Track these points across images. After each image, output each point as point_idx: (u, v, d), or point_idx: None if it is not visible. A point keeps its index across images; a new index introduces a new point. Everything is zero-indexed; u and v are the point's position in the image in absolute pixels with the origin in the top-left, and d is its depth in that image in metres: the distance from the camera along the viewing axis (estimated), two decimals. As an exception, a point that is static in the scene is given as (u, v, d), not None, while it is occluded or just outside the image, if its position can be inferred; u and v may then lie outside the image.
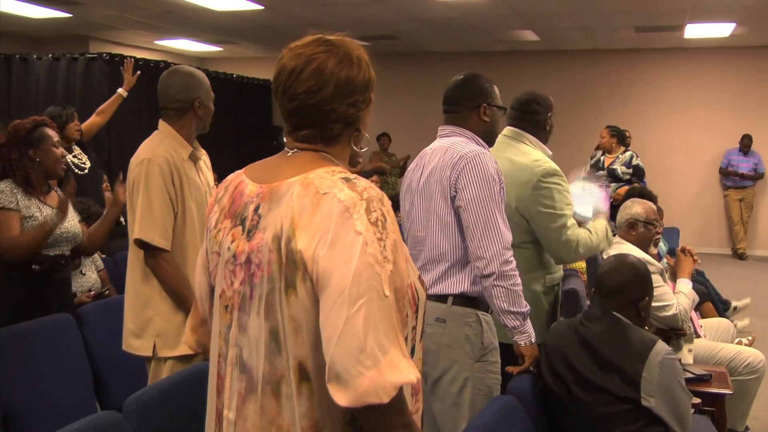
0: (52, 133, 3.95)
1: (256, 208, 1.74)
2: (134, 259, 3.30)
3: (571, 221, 3.54)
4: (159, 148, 3.25)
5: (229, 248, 1.78)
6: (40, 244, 3.73)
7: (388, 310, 1.58)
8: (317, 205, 1.62)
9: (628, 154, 9.16)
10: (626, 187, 8.89)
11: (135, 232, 3.19)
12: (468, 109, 3.20)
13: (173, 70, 3.40)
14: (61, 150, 3.96)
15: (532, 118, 3.74)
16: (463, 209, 2.98)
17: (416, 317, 1.74)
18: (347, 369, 1.52)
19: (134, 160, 3.26)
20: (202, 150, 3.51)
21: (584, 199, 3.82)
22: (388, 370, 1.54)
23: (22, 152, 3.83)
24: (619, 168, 9.04)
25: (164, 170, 3.19)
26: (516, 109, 3.75)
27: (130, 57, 6.29)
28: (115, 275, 5.59)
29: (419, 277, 1.78)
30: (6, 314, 3.70)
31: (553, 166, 3.59)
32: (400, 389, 1.56)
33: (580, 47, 12.40)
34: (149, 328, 3.26)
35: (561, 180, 3.56)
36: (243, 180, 1.84)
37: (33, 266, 3.79)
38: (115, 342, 3.73)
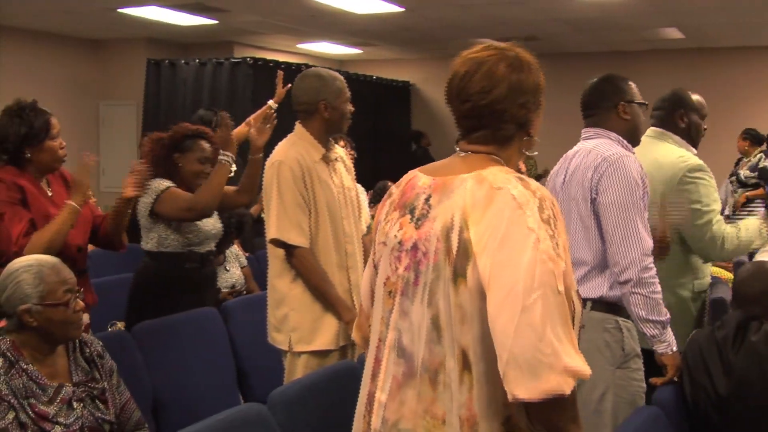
0: (204, 146, 3.97)
1: (427, 199, 1.79)
2: (271, 257, 3.41)
3: (717, 217, 3.46)
4: (291, 150, 3.32)
5: (395, 236, 1.83)
6: (223, 186, 3.81)
7: (562, 306, 1.60)
8: (491, 199, 1.66)
9: (757, 156, 8.70)
10: (747, 193, 8.44)
11: (271, 232, 3.28)
12: (605, 109, 3.15)
13: (303, 73, 3.46)
14: (206, 166, 3.96)
15: (672, 118, 3.66)
16: (603, 212, 2.91)
17: (572, 325, 1.73)
18: (530, 363, 1.54)
19: (268, 163, 3.36)
20: (341, 150, 3.54)
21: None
22: (568, 361, 1.56)
23: (168, 153, 3.92)
24: (743, 172, 8.61)
25: (295, 171, 3.26)
26: (657, 108, 3.70)
27: (274, 65, 6.41)
28: (258, 272, 5.74)
29: (576, 291, 1.76)
30: (166, 312, 3.87)
31: (698, 161, 3.52)
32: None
33: (727, 44, 11.90)
34: (285, 323, 3.36)
35: (706, 175, 3.48)
36: (416, 175, 1.90)
37: (187, 264, 3.93)
38: (258, 337, 3.83)
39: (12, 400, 2.41)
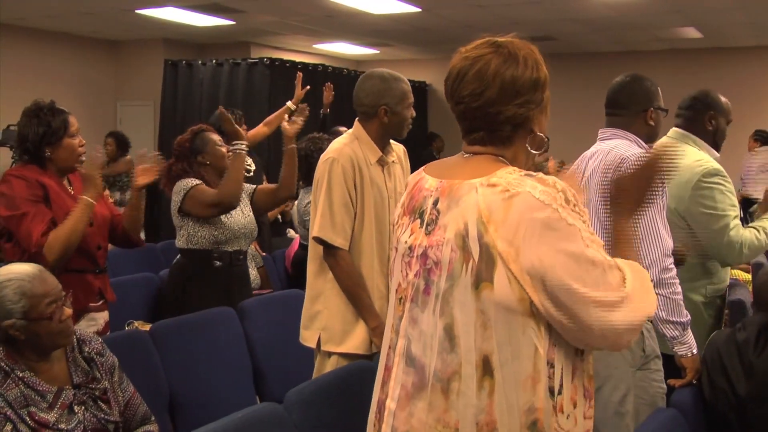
0: (213, 135, 4.18)
1: (435, 202, 1.75)
2: (312, 254, 3.37)
3: (734, 222, 3.39)
4: (346, 148, 3.27)
5: (406, 241, 1.81)
6: (241, 175, 3.99)
7: (615, 276, 1.67)
8: (510, 202, 1.62)
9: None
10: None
11: (314, 230, 3.25)
12: (634, 112, 3.12)
13: (368, 73, 3.39)
14: (225, 147, 4.17)
15: (696, 120, 3.59)
16: None
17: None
18: (614, 343, 1.71)
19: (322, 158, 3.32)
20: (399, 149, 3.50)
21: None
22: (637, 319, 1.69)
23: (191, 162, 4.10)
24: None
25: (347, 170, 3.22)
26: (685, 108, 3.62)
27: (291, 65, 6.40)
28: (274, 273, 5.74)
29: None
30: (192, 309, 3.92)
31: (715, 165, 3.45)
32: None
33: (745, 44, 11.83)
34: (316, 320, 3.32)
35: (723, 180, 3.42)
36: (422, 177, 1.86)
37: (214, 262, 4.02)
38: (275, 336, 3.83)
39: (8, 412, 2.37)
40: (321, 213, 3.23)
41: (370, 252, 3.28)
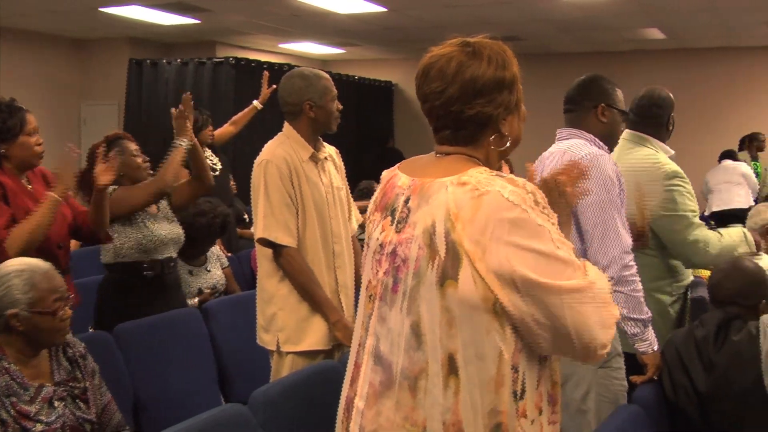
0: (130, 144, 3.98)
1: (407, 200, 1.75)
2: (260, 257, 3.40)
3: (696, 222, 3.44)
4: (279, 149, 3.32)
5: (377, 238, 1.80)
6: (180, 164, 3.85)
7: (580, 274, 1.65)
8: (479, 202, 1.62)
9: None
10: None
11: (258, 232, 3.27)
12: (585, 108, 3.11)
13: (288, 74, 3.44)
14: (142, 157, 4.00)
15: (654, 122, 3.62)
16: (581, 213, 2.88)
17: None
18: (587, 346, 1.64)
19: (256, 162, 3.36)
20: (331, 149, 3.55)
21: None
22: (607, 315, 1.66)
23: None
24: None
25: (282, 171, 3.26)
26: (636, 113, 3.63)
27: (256, 65, 6.39)
28: (240, 273, 5.72)
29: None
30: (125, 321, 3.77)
31: (674, 167, 3.49)
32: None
33: (709, 45, 11.95)
34: (273, 323, 3.34)
35: (682, 182, 3.47)
36: (396, 174, 1.85)
37: (145, 272, 3.87)
38: (240, 337, 3.81)
39: None
40: (263, 215, 3.26)
41: (316, 248, 3.32)
